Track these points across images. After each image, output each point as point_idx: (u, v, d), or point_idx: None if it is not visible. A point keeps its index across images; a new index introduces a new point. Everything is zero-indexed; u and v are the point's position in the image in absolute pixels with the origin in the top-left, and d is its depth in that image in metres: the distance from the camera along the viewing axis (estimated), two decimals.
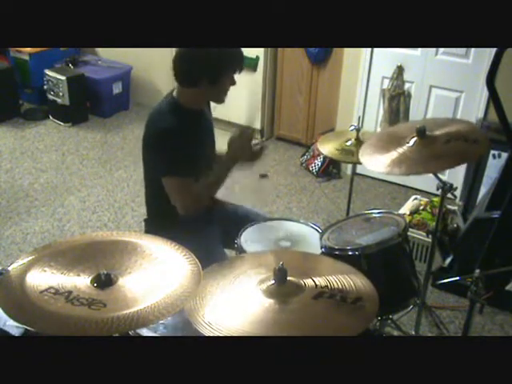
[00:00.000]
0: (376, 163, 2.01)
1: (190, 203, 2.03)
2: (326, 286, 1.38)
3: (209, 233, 2.19)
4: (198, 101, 2.07)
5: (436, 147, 1.99)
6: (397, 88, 3.86)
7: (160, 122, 2.02)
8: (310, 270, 1.51)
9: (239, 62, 2.02)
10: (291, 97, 4.50)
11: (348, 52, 4.02)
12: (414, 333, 2.45)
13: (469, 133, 2.02)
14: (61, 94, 4.72)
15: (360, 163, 2.10)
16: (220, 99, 2.10)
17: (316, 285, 1.39)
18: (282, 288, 1.38)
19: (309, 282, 1.41)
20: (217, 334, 1.24)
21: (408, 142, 2.03)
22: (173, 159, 1.98)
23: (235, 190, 3.52)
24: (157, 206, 2.21)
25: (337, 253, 1.92)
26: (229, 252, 2.29)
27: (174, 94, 2.07)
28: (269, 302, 1.34)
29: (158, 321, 1.22)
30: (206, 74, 1.96)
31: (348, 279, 1.44)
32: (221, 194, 2.43)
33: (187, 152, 1.97)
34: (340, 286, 1.39)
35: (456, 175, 3.64)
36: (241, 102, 4.49)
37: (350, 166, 3.79)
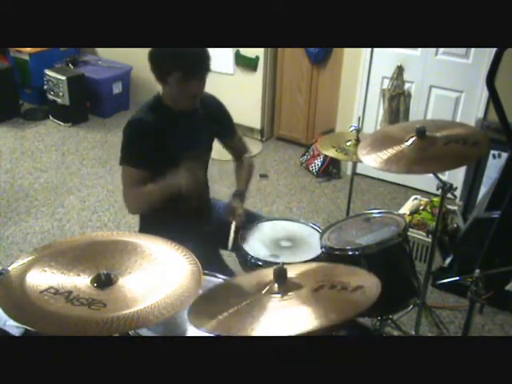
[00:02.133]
0: (374, 160, 2.00)
1: (131, 197, 2.08)
2: (327, 280, 1.37)
3: (201, 232, 2.19)
4: (171, 99, 2.07)
5: (435, 148, 1.99)
6: (397, 88, 3.86)
7: (133, 115, 2.09)
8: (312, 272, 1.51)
9: (187, 63, 1.96)
10: (291, 97, 4.50)
11: (348, 52, 4.02)
12: (414, 333, 2.45)
13: (468, 135, 2.02)
14: (61, 93, 4.72)
15: (360, 161, 2.10)
16: (178, 102, 2.07)
17: (316, 280, 1.39)
18: (283, 287, 1.37)
19: (309, 279, 1.41)
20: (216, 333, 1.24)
21: (406, 141, 2.03)
22: (128, 149, 2.04)
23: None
24: None
25: (337, 253, 1.92)
26: (228, 253, 2.29)
27: (160, 91, 2.11)
28: (269, 301, 1.34)
29: (158, 321, 1.21)
30: (154, 71, 2.01)
31: (348, 273, 1.43)
32: (221, 194, 2.44)
33: (148, 146, 2.00)
34: (340, 279, 1.38)
35: (456, 175, 3.64)
36: (241, 101, 4.50)
37: (349, 166, 3.79)
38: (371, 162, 1.99)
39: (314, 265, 1.62)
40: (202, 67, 2.00)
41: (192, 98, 2.08)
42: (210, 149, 2.31)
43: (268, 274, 1.40)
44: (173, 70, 1.96)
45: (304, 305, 1.30)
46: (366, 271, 1.44)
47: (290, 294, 1.33)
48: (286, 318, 1.27)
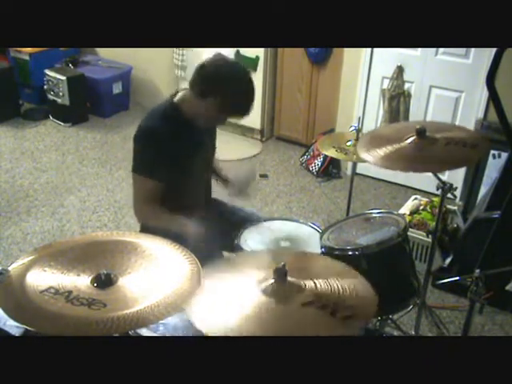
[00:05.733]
0: (374, 157, 2.00)
1: (140, 206, 2.07)
2: (324, 296, 1.35)
3: (206, 234, 2.19)
4: (195, 109, 2.02)
5: (435, 148, 1.99)
6: (397, 88, 3.86)
7: (145, 121, 2.04)
8: (315, 272, 1.50)
9: (236, 101, 1.98)
10: (291, 97, 4.51)
11: (348, 52, 4.03)
12: (413, 333, 2.45)
13: (468, 138, 2.02)
14: (61, 93, 4.72)
15: (360, 161, 2.10)
16: (202, 117, 2.04)
17: (314, 292, 1.37)
18: (281, 288, 1.37)
19: (309, 285, 1.39)
20: (215, 333, 1.24)
21: (406, 140, 2.03)
22: (142, 158, 2.01)
23: None
24: None
25: (337, 253, 1.92)
26: (228, 254, 2.29)
27: (176, 98, 2.06)
28: (265, 301, 1.34)
29: (158, 321, 1.21)
30: (201, 83, 1.95)
31: (349, 293, 1.42)
32: (220, 195, 2.43)
33: (162, 155, 1.97)
34: (336, 299, 1.36)
35: (456, 175, 3.65)
36: None
37: (350, 166, 3.79)
38: (371, 159, 1.99)
39: (320, 263, 1.60)
40: (242, 115, 2.05)
41: (210, 123, 2.09)
42: (213, 149, 2.32)
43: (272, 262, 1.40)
44: (218, 96, 1.93)
45: (285, 315, 1.29)
46: (371, 291, 1.42)
47: (283, 299, 1.33)
48: (263, 325, 1.28)
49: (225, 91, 1.94)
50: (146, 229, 2.20)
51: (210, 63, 1.96)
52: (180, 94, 2.07)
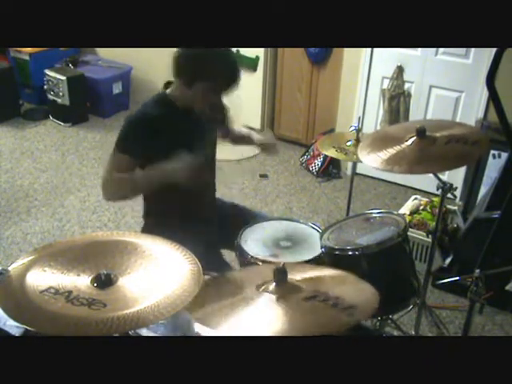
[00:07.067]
0: (375, 160, 2.00)
1: (113, 182, 2.04)
2: (323, 292, 1.36)
3: (207, 233, 2.19)
4: (185, 99, 2.03)
5: (436, 148, 1.99)
6: (397, 88, 3.86)
7: (135, 111, 2.03)
8: (317, 277, 1.51)
9: (222, 76, 1.93)
10: (291, 97, 4.51)
11: (348, 52, 4.03)
12: (413, 333, 2.45)
13: (468, 135, 2.02)
14: (61, 93, 4.72)
15: (360, 161, 2.10)
16: (195, 107, 2.04)
17: (315, 289, 1.38)
18: (281, 288, 1.37)
19: (309, 285, 1.40)
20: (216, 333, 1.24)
21: (407, 141, 2.03)
22: (127, 138, 1.99)
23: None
24: (153, 204, 2.21)
25: (337, 253, 1.92)
26: (228, 252, 2.29)
27: (168, 89, 2.06)
28: (266, 300, 1.34)
29: (158, 321, 1.21)
30: (183, 73, 1.96)
31: (349, 287, 1.42)
32: (220, 194, 2.43)
33: (148, 139, 1.94)
34: (337, 292, 1.37)
35: (456, 175, 3.65)
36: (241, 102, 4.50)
37: (350, 166, 3.79)
38: (372, 162, 1.99)
39: (320, 271, 1.60)
40: (230, 86, 1.98)
41: (207, 107, 2.05)
42: (214, 147, 2.29)
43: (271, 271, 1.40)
44: (204, 79, 1.92)
45: (287, 312, 1.29)
46: (370, 287, 1.43)
47: (284, 296, 1.33)
48: (265, 319, 1.28)
49: (211, 71, 1.92)
50: (148, 229, 2.20)
51: (186, 50, 1.94)
52: (172, 87, 2.06)
